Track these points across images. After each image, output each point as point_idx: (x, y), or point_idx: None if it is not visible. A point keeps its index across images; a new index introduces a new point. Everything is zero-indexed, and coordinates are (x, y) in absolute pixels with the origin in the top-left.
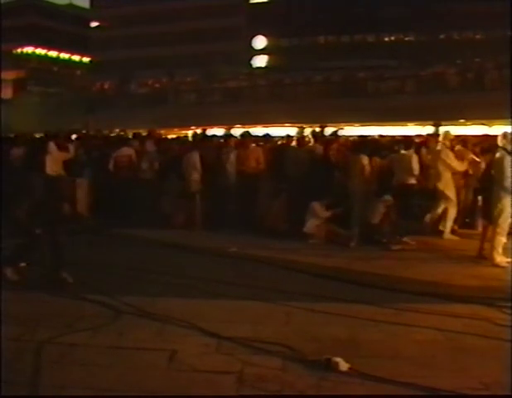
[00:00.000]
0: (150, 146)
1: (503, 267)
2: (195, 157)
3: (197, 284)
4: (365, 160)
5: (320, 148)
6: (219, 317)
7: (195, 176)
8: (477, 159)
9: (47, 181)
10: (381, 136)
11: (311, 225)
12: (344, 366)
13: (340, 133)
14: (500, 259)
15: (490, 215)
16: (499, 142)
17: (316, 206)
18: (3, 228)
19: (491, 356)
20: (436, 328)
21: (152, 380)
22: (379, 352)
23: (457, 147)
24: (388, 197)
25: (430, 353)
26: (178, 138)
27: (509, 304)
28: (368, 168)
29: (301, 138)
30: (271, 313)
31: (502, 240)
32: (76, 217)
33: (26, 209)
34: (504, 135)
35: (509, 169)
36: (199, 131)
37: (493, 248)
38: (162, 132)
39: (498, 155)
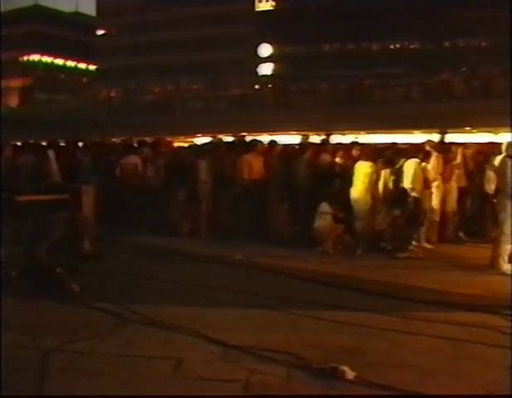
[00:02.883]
0: (161, 153)
1: (509, 275)
2: (203, 164)
3: (203, 292)
4: (371, 168)
5: (326, 156)
6: (225, 325)
7: (203, 183)
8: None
9: (67, 219)
10: (394, 143)
11: (321, 223)
12: (350, 374)
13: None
14: (506, 267)
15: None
16: (504, 150)
17: (325, 206)
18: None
19: (497, 364)
20: (441, 336)
21: (158, 388)
22: (384, 361)
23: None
24: (396, 211)
25: (435, 361)
26: (190, 146)
27: None
28: (373, 176)
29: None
30: (277, 321)
31: (508, 247)
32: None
33: (47, 249)
34: (509, 144)
35: None
36: (208, 139)
37: (499, 256)
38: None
39: (501, 163)
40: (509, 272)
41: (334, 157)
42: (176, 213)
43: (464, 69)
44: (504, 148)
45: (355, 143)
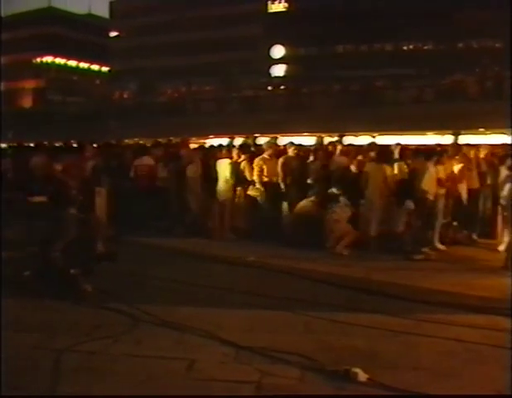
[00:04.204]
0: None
1: None
2: (226, 166)
3: (215, 293)
4: (388, 169)
5: (339, 157)
6: (238, 326)
7: (225, 183)
8: None
9: (81, 220)
10: (398, 144)
11: (338, 211)
12: (362, 376)
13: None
14: None
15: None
16: None
17: (344, 199)
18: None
19: (510, 366)
20: (455, 339)
21: (171, 389)
22: (398, 363)
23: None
24: (409, 204)
25: (449, 364)
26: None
27: None
28: (388, 178)
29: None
30: (289, 323)
31: None
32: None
33: (61, 249)
34: None
35: None
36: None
37: None
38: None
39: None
40: None
41: (349, 157)
42: (190, 214)
43: (477, 70)
44: None
45: (372, 145)
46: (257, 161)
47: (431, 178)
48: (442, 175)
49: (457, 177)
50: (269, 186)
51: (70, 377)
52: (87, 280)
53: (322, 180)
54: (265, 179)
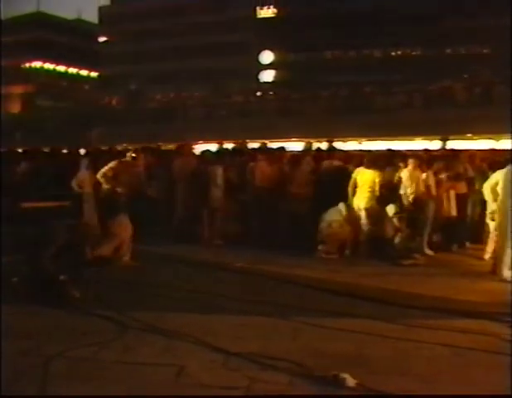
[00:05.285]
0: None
1: (510, 281)
2: (220, 170)
3: (204, 299)
4: (375, 175)
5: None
6: (227, 332)
7: (217, 189)
8: None
9: (71, 226)
10: (389, 150)
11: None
12: (351, 381)
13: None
14: (508, 273)
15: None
16: None
17: (342, 205)
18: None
19: (499, 371)
20: (444, 344)
21: (160, 395)
22: (386, 368)
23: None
24: (389, 208)
25: (438, 369)
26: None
27: None
28: (377, 184)
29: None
30: (279, 329)
31: (509, 253)
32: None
33: (51, 255)
34: None
35: None
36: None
37: (500, 262)
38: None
39: (507, 170)
40: (511, 278)
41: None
42: (179, 221)
43: (465, 76)
44: None
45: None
46: (257, 166)
47: (417, 184)
48: (432, 182)
49: (452, 184)
50: (265, 192)
51: (58, 384)
52: (76, 286)
53: (311, 184)
54: (264, 184)
